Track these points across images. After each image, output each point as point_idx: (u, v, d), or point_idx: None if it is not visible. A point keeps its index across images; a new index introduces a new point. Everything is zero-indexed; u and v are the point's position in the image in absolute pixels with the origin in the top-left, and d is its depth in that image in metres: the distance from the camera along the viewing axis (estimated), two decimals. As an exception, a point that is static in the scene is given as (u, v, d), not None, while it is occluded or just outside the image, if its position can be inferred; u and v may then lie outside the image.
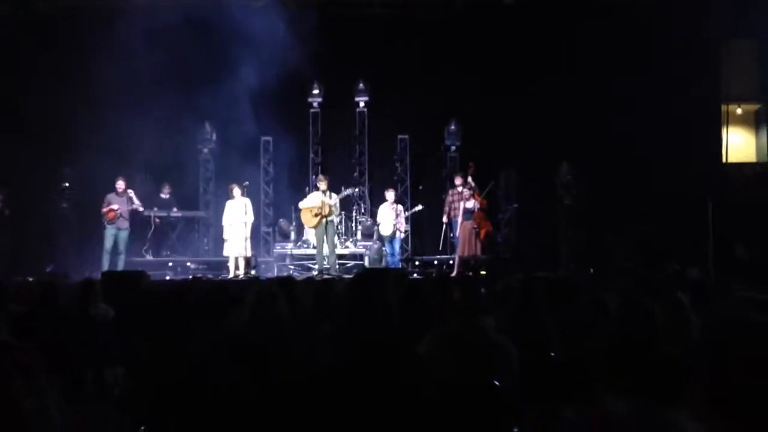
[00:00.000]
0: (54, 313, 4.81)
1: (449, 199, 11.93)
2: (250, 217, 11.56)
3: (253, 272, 11.73)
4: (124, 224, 11.60)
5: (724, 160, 13.14)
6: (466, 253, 11.44)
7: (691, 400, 1.44)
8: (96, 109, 12.03)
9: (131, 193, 11.65)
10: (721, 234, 11.50)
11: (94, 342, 4.75)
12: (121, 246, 11.59)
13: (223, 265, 11.99)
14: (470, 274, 11.18)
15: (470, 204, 11.39)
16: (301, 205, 11.58)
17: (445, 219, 11.92)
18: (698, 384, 1.44)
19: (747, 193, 13.25)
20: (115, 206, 11.50)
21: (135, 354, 3.78)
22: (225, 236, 11.55)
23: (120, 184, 11.60)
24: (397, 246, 12.22)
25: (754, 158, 14.83)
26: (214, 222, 13.30)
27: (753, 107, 14.83)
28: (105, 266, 11.14)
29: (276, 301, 3.68)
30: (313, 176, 13.59)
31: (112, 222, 11.50)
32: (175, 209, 12.99)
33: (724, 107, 13.28)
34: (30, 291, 6.32)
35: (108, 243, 11.47)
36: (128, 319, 5.13)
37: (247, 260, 11.58)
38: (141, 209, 11.82)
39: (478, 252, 11.42)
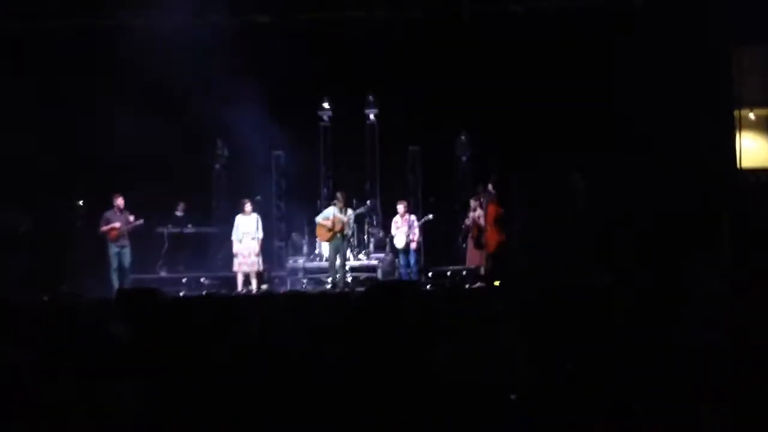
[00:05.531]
0: (70, 333, 4.82)
1: None
2: (261, 233, 11.61)
3: (265, 287, 11.74)
4: (126, 242, 11.34)
5: (738, 165, 13.05)
6: (472, 264, 11.95)
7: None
8: (106, 127, 12.13)
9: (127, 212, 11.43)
10: (737, 239, 11.40)
11: (110, 360, 4.75)
12: (126, 264, 11.33)
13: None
14: (483, 284, 11.17)
15: (469, 217, 12.01)
16: (317, 219, 11.90)
17: None
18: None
19: (762, 199, 13.16)
20: (116, 224, 11.25)
21: (152, 372, 3.79)
22: (234, 251, 11.55)
23: (119, 202, 11.37)
24: (412, 258, 12.17)
25: (767, 163, 14.72)
26: (227, 237, 13.35)
27: (766, 112, 14.72)
28: (115, 285, 10.97)
29: (283, 326, 3.68)
30: (324, 189, 13.68)
31: (114, 240, 11.25)
32: (189, 226, 13.03)
33: (736, 112, 13.19)
34: (44, 311, 6.33)
35: (114, 262, 11.25)
36: (144, 337, 5.13)
37: (260, 275, 11.60)
38: (141, 221, 11.56)
39: (482, 262, 11.75)
